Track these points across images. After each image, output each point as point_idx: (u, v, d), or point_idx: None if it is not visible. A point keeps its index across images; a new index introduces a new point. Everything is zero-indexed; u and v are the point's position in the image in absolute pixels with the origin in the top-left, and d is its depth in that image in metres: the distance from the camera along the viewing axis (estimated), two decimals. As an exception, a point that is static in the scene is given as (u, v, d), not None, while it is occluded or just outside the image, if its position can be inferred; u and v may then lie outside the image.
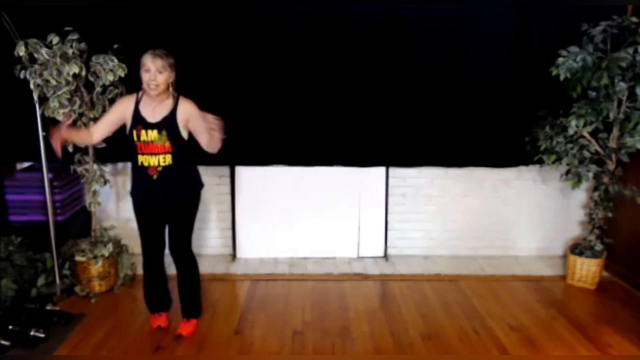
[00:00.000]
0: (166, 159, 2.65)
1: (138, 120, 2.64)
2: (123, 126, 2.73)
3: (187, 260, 2.92)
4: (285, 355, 2.73)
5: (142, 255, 2.90)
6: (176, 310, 3.06)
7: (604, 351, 2.79)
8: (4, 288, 3.02)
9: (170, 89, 2.66)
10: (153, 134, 2.62)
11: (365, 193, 4.03)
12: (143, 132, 2.62)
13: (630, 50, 3.07)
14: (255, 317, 3.11)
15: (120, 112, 2.68)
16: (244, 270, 3.82)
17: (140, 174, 2.69)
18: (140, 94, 2.70)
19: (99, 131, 2.71)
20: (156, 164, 2.65)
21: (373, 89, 3.68)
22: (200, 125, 2.66)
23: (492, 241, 4.16)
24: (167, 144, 2.63)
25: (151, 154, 2.64)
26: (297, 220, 4.05)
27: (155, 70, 2.57)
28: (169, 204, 2.75)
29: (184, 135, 2.68)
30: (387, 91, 3.70)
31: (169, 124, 2.63)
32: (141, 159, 2.65)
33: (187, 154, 2.73)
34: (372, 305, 3.33)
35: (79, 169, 3.35)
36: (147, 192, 2.72)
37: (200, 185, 2.92)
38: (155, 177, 2.66)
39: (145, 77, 2.58)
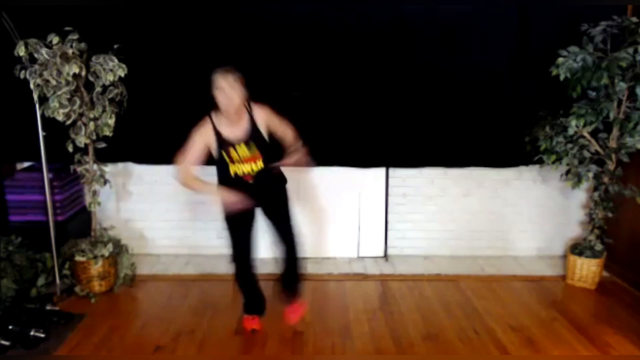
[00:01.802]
0: (258, 165, 2.73)
1: (224, 143, 2.68)
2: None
3: (296, 244, 2.99)
4: (285, 355, 2.73)
5: (236, 261, 2.89)
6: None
7: (604, 351, 2.80)
8: (4, 288, 3.02)
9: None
10: (242, 150, 2.68)
11: (365, 193, 4.03)
12: (232, 150, 2.68)
13: (630, 50, 3.07)
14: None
15: (202, 140, 2.68)
16: (244, 270, 3.81)
17: (234, 182, 2.73)
18: (213, 116, 2.71)
19: (193, 164, 2.71)
20: (250, 171, 2.72)
21: (373, 89, 3.68)
22: (278, 126, 2.78)
23: (492, 241, 4.16)
24: (257, 153, 2.71)
25: (243, 163, 2.71)
26: (297, 220, 4.04)
27: (228, 87, 2.58)
28: (268, 198, 2.84)
29: (267, 138, 2.76)
30: (387, 91, 3.70)
31: (254, 136, 2.70)
32: (234, 168, 2.71)
33: (271, 152, 2.80)
34: (372, 305, 3.33)
35: (79, 169, 3.35)
36: (246, 194, 2.75)
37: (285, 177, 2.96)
38: (251, 181, 2.74)
39: (220, 96, 2.59)
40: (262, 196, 2.81)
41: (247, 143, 2.68)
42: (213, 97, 2.61)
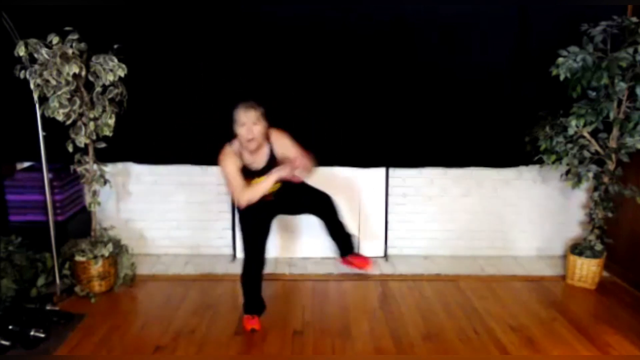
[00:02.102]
0: (275, 187, 2.83)
1: (247, 173, 2.79)
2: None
3: (328, 198, 3.04)
4: (285, 355, 2.73)
5: (248, 260, 2.94)
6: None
7: (604, 351, 2.79)
8: (4, 288, 3.02)
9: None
10: (262, 178, 2.78)
11: (365, 193, 4.03)
12: (252, 180, 2.80)
13: (630, 50, 3.07)
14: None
15: (236, 166, 2.77)
16: (244, 270, 3.81)
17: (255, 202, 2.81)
18: (235, 147, 2.79)
19: (244, 185, 2.78)
20: (268, 192, 2.80)
21: (373, 89, 3.68)
22: (292, 152, 2.83)
23: (492, 241, 4.16)
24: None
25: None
26: (297, 220, 4.05)
27: (250, 123, 2.66)
28: (289, 204, 2.96)
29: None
30: (387, 91, 3.70)
31: (273, 166, 2.79)
32: None
33: None
34: (372, 305, 3.33)
35: (79, 169, 3.35)
36: (266, 207, 2.86)
37: None
38: (271, 198, 2.84)
39: (242, 131, 2.69)
40: (283, 206, 2.94)
41: (267, 173, 2.77)
42: (234, 130, 2.73)
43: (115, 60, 3.13)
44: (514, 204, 4.09)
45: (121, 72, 3.15)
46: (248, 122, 2.66)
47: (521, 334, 2.94)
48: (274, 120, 3.68)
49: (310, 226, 4.06)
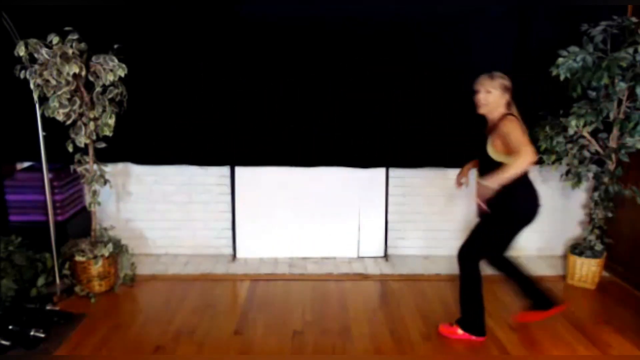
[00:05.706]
0: None
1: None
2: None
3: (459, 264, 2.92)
4: (285, 355, 2.73)
5: (476, 271, 2.90)
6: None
7: (604, 351, 2.80)
8: (4, 288, 3.02)
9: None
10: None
11: (365, 193, 4.03)
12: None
13: (630, 50, 3.07)
14: (255, 317, 3.11)
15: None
16: (244, 270, 3.82)
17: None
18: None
19: None
20: None
21: (373, 89, 3.68)
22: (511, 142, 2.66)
23: (492, 241, 4.15)
24: None
25: None
26: (297, 220, 4.05)
27: (483, 91, 2.73)
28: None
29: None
30: (387, 91, 3.70)
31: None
32: None
33: None
34: (372, 305, 3.33)
35: (79, 169, 3.35)
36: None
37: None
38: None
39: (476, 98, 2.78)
40: None
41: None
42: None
43: (115, 60, 3.13)
44: (514, 204, 4.09)
45: (121, 72, 3.15)
46: (481, 90, 2.72)
47: (521, 334, 2.94)
48: (274, 118, 3.71)
49: (309, 226, 4.06)
